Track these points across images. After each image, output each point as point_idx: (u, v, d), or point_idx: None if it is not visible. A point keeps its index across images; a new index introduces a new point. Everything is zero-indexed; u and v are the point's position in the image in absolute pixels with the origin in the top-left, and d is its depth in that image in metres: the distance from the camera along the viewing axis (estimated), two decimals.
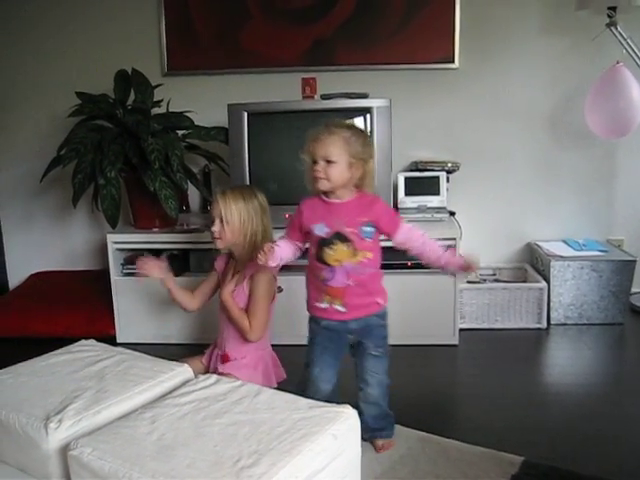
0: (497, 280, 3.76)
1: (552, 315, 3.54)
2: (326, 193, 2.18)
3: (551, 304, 3.52)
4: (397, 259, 3.29)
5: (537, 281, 3.56)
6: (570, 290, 3.51)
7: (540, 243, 3.79)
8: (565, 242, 3.78)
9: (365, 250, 2.15)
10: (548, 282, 3.51)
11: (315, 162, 2.12)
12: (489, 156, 3.84)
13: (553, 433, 2.42)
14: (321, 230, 2.16)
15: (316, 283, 2.23)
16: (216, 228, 2.56)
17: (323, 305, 2.22)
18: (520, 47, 3.75)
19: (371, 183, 2.20)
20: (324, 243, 2.16)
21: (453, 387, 2.90)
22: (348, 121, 2.25)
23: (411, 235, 2.21)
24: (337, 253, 2.15)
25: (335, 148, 2.09)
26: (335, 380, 2.27)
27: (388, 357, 2.29)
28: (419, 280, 3.29)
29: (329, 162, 2.10)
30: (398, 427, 2.39)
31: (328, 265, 2.16)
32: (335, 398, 2.20)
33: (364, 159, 2.14)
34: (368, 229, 2.14)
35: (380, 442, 2.30)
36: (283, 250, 2.26)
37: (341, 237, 2.14)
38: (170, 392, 1.65)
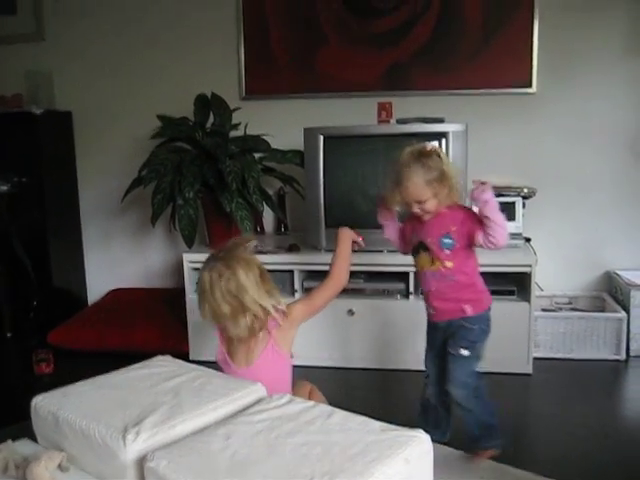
0: (574, 309, 3.66)
1: (632, 346, 3.42)
2: None
3: (631, 335, 3.41)
4: None
5: (616, 311, 3.45)
6: None
7: (619, 272, 3.68)
8: None
9: (444, 260, 2.29)
10: (628, 312, 3.40)
11: (408, 204, 2.28)
12: (567, 181, 3.76)
13: (630, 470, 2.33)
14: (414, 239, 2.38)
15: None
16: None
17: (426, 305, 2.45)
18: (602, 69, 3.66)
19: (456, 192, 2.27)
20: (414, 251, 2.39)
21: (526, 417, 2.84)
22: (412, 147, 2.26)
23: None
24: (421, 260, 2.36)
25: (419, 190, 2.22)
26: (435, 386, 2.44)
27: (474, 360, 2.32)
28: (493, 306, 3.23)
29: (420, 202, 2.24)
30: (469, 457, 2.35)
31: (417, 270, 2.42)
32: (443, 402, 2.45)
33: (441, 176, 2.22)
34: (447, 240, 2.27)
35: (477, 454, 2.36)
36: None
37: (424, 247, 2.33)
38: (243, 410, 1.66)
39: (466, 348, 2.32)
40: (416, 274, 2.48)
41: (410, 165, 2.22)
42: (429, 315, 2.44)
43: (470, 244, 2.28)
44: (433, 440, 2.32)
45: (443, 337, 2.39)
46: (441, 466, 2.11)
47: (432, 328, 2.46)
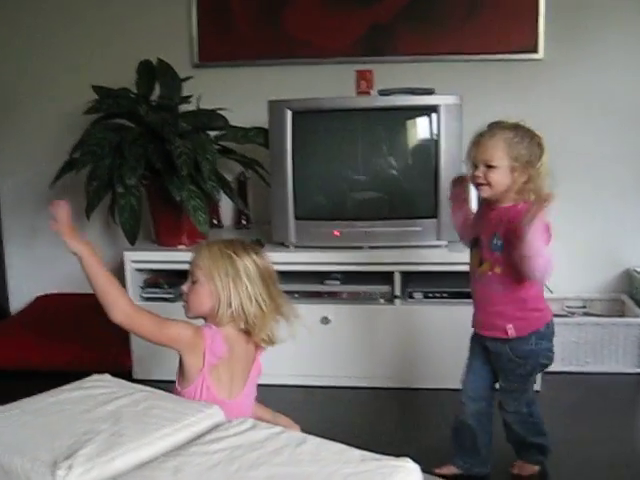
0: (588, 314, 3.70)
1: None
2: (490, 200, 2.33)
3: None
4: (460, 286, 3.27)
5: (637, 315, 3.50)
6: None
7: None
8: None
9: (492, 262, 2.30)
10: None
11: (476, 167, 2.29)
12: (580, 163, 3.78)
13: None
14: (472, 231, 2.44)
15: None
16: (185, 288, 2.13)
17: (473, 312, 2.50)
18: (618, 32, 3.71)
19: (538, 190, 2.28)
20: (470, 245, 2.44)
21: None
22: (514, 121, 2.31)
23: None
24: (472, 258, 2.42)
25: (496, 151, 2.24)
26: (481, 400, 2.50)
27: (526, 391, 2.47)
28: None
29: (490, 167, 2.25)
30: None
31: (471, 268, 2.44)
32: (484, 425, 2.50)
33: (529, 162, 2.25)
34: (495, 241, 2.28)
35: (518, 462, 2.57)
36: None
37: (477, 242, 2.38)
38: (197, 438, 1.65)
39: (513, 382, 2.43)
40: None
41: (503, 127, 2.28)
42: (473, 323, 2.50)
43: None
44: (472, 472, 2.53)
45: (489, 354, 2.46)
46: None
47: (476, 339, 2.52)
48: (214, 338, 2.03)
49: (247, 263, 2.05)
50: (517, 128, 2.27)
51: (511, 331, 2.33)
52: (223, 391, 2.09)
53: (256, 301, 2.04)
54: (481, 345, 2.47)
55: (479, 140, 2.29)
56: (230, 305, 2.04)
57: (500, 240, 2.26)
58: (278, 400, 3.02)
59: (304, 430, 1.73)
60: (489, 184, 2.26)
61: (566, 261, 3.76)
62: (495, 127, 2.29)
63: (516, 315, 2.34)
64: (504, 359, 2.39)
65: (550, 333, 2.44)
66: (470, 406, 2.49)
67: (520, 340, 2.34)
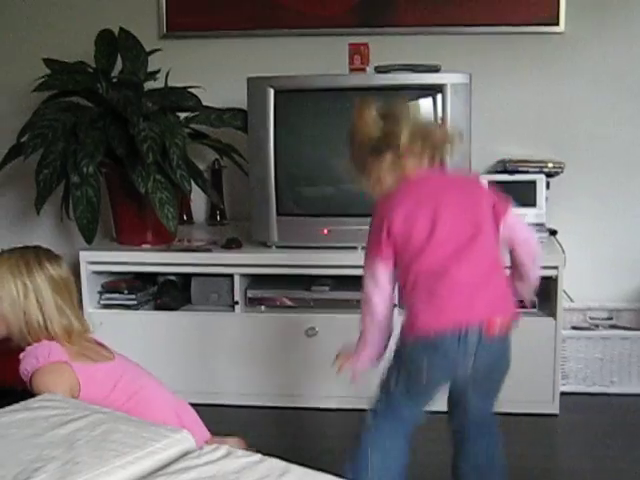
0: (614, 326, 3.71)
1: None
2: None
3: None
4: None
5: None
6: None
7: None
8: None
9: None
10: None
11: None
12: (606, 154, 3.79)
13: None
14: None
15: None
16: None
17: None
18: None
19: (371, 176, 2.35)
20: None
21: (550, 473, 2.87)
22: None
23: None
24: None
25: None
26: None
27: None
28: None
29: None
30: None
31: None
32: None
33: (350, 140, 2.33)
34: None
35: None
36: None
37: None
38: (164, 467, 1.65)
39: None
40: None
41: None
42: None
43: None
44: None
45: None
46: None
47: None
48: (43, 348, 2.28)
49: (39, 281, 2.21)
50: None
51: None
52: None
53: (44, 321, 2.24)
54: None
55: None
56: (26, 324, 2.26)
57: None
58: (248, 424, 3.03)
59: (283, 457, 1.72)
60: None
61: (590, 265, 3.77)
62: None
63: None
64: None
65: None
66: None
67: None
